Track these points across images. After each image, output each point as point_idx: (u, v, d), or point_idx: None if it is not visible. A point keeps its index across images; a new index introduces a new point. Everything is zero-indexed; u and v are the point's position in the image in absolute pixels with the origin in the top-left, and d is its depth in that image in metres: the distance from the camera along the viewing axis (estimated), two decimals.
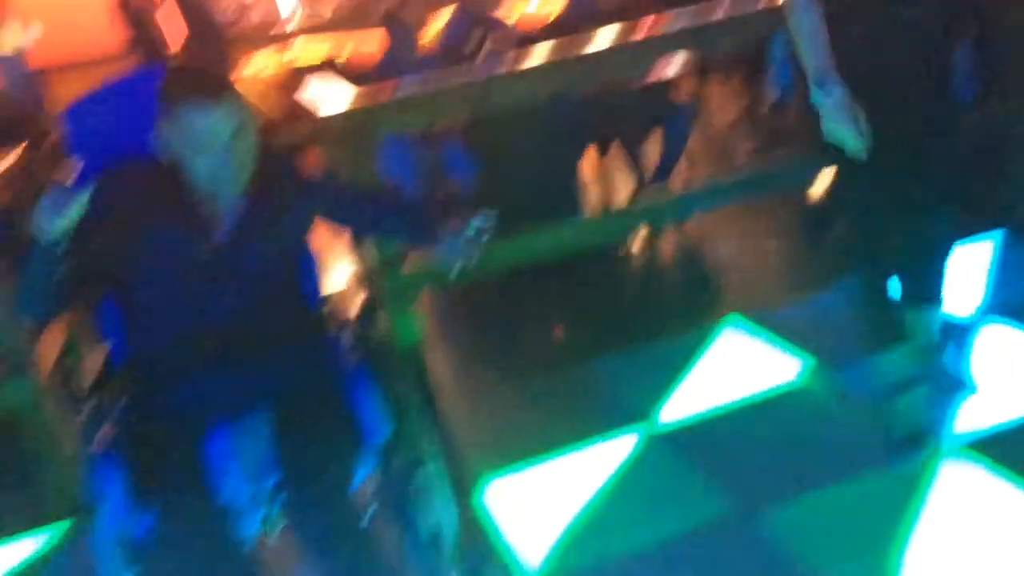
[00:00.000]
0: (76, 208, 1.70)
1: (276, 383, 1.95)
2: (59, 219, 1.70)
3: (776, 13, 2.52)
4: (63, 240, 1.73)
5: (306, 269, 2.12)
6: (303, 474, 1.84)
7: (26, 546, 2.88)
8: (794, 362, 3.03)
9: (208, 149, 1.80)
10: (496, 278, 3.65)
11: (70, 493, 2.90)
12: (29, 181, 3.36)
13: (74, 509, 2.90)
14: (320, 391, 1.96)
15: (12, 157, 3.30)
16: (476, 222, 1.82)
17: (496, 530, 2.48)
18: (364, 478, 1.97)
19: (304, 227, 2.05)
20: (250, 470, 1.85)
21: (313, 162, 2.87)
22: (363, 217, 2.10)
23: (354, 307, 2.15)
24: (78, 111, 2.09)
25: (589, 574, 2.28)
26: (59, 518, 2.88)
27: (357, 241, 2.74)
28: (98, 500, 1.80)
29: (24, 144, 3.73)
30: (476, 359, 3.64)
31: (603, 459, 2.71)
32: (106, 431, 1.91)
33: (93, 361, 2.08)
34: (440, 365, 3.45)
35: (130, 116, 1.94)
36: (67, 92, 2.00)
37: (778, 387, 2.93)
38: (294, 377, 1.96)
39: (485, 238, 1.82)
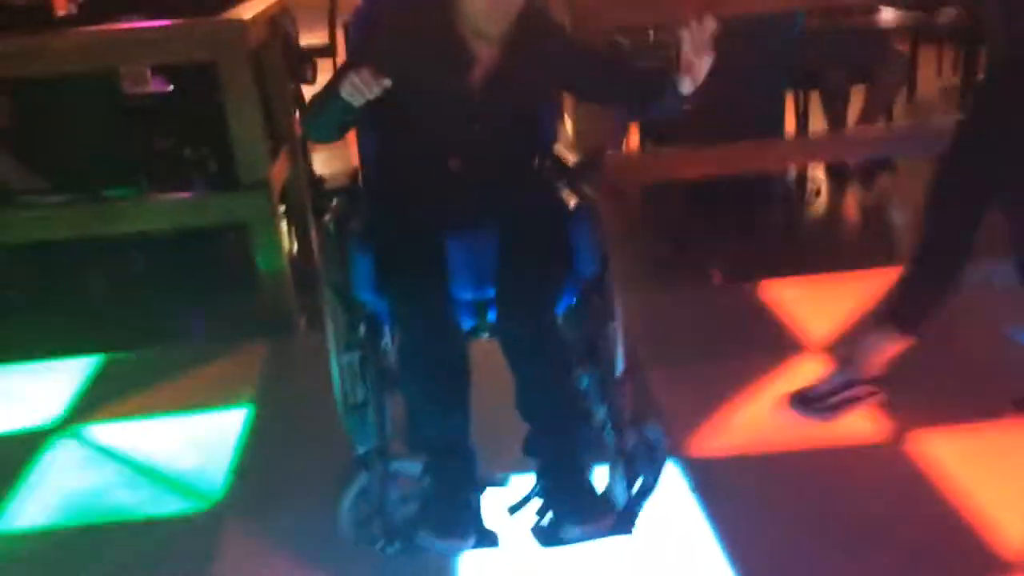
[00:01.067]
0: (377, 92, 1.91)
1: (505, 209, 2.18)
2: (363, 97, 1.91)
3: None
4: (364, 107, 1.96)
5: (546, 116, 2.34)
6: (517, 289, 2.06)
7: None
8: None
9: None
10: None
11: (284, 307, 3.30)
12: None
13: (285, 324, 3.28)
14: (542, 221, 2.18)
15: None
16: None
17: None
18: (569, 304, 2.21)
19: (550, 78, 2.25)
20: (473, 277, 2.09)
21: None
22: (599, 80, 2.27)
23: (575, 159, 2.36)
24: None
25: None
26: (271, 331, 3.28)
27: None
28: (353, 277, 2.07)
29: None
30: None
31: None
32: (355, 223, 2.19)
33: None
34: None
35: None
36: None
37: None
38: (521, 206, 2.18)
39: None
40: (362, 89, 1.89)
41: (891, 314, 2.51)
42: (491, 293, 2.10)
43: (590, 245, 2.11)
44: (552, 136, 2.39)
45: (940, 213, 2.47)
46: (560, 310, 2.17)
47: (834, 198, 4.43)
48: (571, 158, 2.36)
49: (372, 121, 2.29)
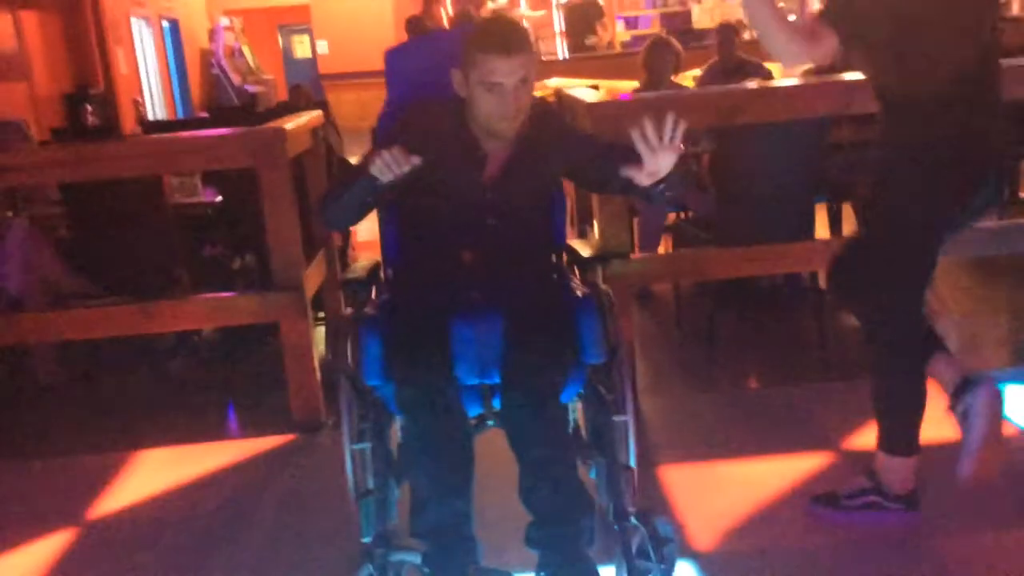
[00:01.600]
0: (408, 169, 2.02)
1: (513, 297, 2.23)
2: (391, 175, 2.03)
3: None
4: (389, 186, 2.08)
5: (557, 209, 2.42)
6: (522, 375, 2.08)
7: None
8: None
9: (499, 89, 2.13)
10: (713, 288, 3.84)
11: (312, 405, 3.36)
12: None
13: (313, 422, 3.34)
14: (549, 309, 2.22)
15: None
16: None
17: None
18: (575, 393, 2.23)
19: (559, 172, 2.34)
20: (479, 362, 2.12)
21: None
22: (605, 169, 2.34)
23: (585, 253, 2.41)
24: (397, 52, 2.51)
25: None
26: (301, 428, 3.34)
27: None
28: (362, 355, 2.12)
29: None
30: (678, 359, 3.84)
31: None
32: (369, 309, 2.25)
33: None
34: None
35: (436, 59, 2.32)
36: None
37: None
38: (529, 294, 2.25)
39: None
40: (391, 165, 1.99)
41: (881, 443, 2.46)
42: (496, 379, 2.12)
43: (596, 334, 2.13)
44: (563, 229, 2.46)
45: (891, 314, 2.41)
46: (566, 398, 2.19)
47: None
48: (585, 252, 2.41)
49: (392, 216, 2.40)
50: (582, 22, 9.89)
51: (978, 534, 2.40)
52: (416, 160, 2.01)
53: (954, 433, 2.34)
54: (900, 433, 2.43)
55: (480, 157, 2.25)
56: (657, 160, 2.01)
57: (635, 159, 2.08)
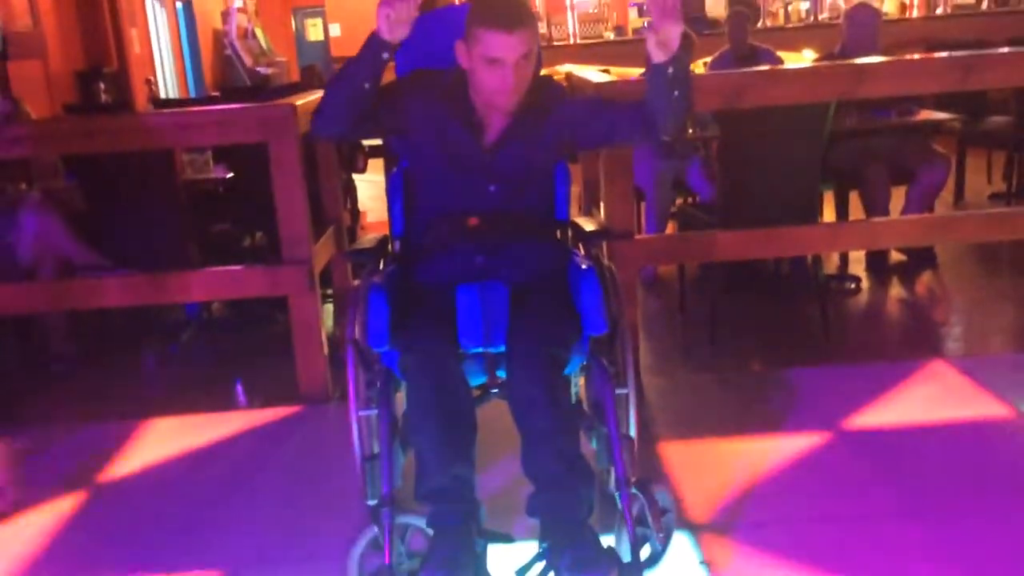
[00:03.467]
0: (410, 16, 2.07)
1: (518, 265, 2.28)
2: (399, 25, 2.07)
3: None
4: (393, 49, 2.11)
5: (560, 181, 2.45)
6: (527, 345, 2.11)
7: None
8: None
9: (500, 64, 2.16)
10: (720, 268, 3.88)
11: (318, 378, 3.40)
12: None
13: (319, 394, 3.39)
14: (553, 280, 2.26)
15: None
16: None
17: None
18: (579, 363, 2.26)
19: (560, 140, 2.36)
20: (484, 330, 2.15)
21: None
22: (611, 122, 2.35)
23: (589, 227, 2.45)
24: None
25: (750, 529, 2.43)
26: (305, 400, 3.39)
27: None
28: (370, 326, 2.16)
29: None
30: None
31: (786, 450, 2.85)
32: (377, 279, 2.29)
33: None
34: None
35: (447, 34, 2.34)
36: None
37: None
38: (533, 264, 2.29)
39: None
40: (392, 12, 2.04)
41: None
42: (501, 348, 2.16)
43: (598, 306, 2.16)
44: (567, 205, 2.49)
45: None
46: (570, 370, 2.22)
47: (874, 291, 4.43)
48: (588, 226, 2.44)
49: (398, 187, 2.45)
50: None
51: (975, 515, 2.42)
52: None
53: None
54: None
55: (478, 122, 2.30)
56: (666, 25, 2.06)
57: (634, 104, 2.11)
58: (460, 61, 2.26)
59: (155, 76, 10.21)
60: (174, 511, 2.71)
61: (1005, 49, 3.92)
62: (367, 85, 2.17)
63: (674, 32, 2.10)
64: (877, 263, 4.61)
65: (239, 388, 3.76)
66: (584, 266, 2.24)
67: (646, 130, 2.26)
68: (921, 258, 4.60)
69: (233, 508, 2.71)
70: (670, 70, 2.13)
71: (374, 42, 2.13)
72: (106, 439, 3.22)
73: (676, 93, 2.16)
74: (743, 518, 2.48)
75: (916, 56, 4.12)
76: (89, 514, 2.75)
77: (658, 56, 2.13)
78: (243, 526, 2.60)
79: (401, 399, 2.34)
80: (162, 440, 3.21)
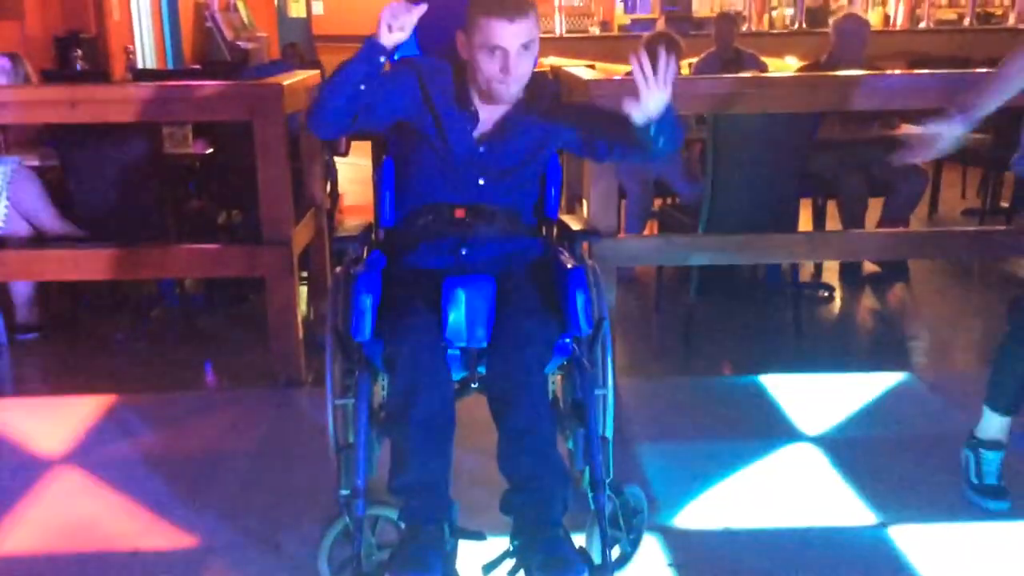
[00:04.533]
0: (411, 25, 2.08)
1: (505, 261, 2.28)
2: (398, 27, 2.08)
3: None
4: (391, 53, 2.12)
5: (552, 181, 2.45)
6: (509, 342, 2.11)
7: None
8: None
9: (501, 52, 2.16)
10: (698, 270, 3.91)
11: (293, 362, 3.38)
12: None
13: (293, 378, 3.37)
14: (539, 278, 2.25)
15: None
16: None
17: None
18: (559, 363, 2.26)
19: (552, 139, 2.37)
20: (468, 325, 2.15)
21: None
22: (604, 141, 2.36)
23: (575, 226, 2.45)
24: None
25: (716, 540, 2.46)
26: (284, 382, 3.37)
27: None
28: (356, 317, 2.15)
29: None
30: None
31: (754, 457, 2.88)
32: (361, 268, 2.27)
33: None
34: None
35: (441, 20, 2.33)
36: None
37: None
38: (521, 260, 2.29)
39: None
40: (395, 21, 2.06)
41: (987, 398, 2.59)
42: (484, 344, 2.15)
43: (583, 306, 2.17)
44: (556, 203, 2.49)
45: None
46: (549, 369, 2.22)
47: (847, 301, 4.47)
48: (575, 226, 2.44)
49: (388, 176, 2.43)
50: None
51: (948, 524, 2.47)
52: (422, 7, 2.07)
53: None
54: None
55: (473, 113, 2.29)
56: (650, 94, 2.05)
57: (629, 126, 2.13)
58: (461, 52, 2.26)
59: (134, 45, 10.06)
60: (142, 489, 2.69)
61: (982, 70, 3.96)
62: (363, 87, 2.16)
63: (659, 103, 2.08)
64: (851, 273, 4.66)
65: (210, 368, 3.72)
66: (570, 265, 2.24)
67: (641, 156, 2.27)
68: (894, 270, 4.66)
69: (202, 489, 2.68)
70: (652, 130, 2.13)
71: (371, 46, 2.12)
72: (71, 414, 3.18)
73: (662, 140, 2.16)
74: (713, 522, 2.50)
75: (922, 72, 4.14)
76: (53, 491, 2.72)
77: (639, 119, 2.12)
78: (213, 508, 2.58)
79: (379, 390, 2.33)
80: (131, 417, 3.17)
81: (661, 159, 2.28)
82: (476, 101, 2.29)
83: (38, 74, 5.72)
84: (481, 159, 2.31)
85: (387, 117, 2.32)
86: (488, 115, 2.30)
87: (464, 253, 2.29)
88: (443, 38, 2.34)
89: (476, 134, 2.31)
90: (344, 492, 2.15)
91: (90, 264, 3.44)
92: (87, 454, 2.92)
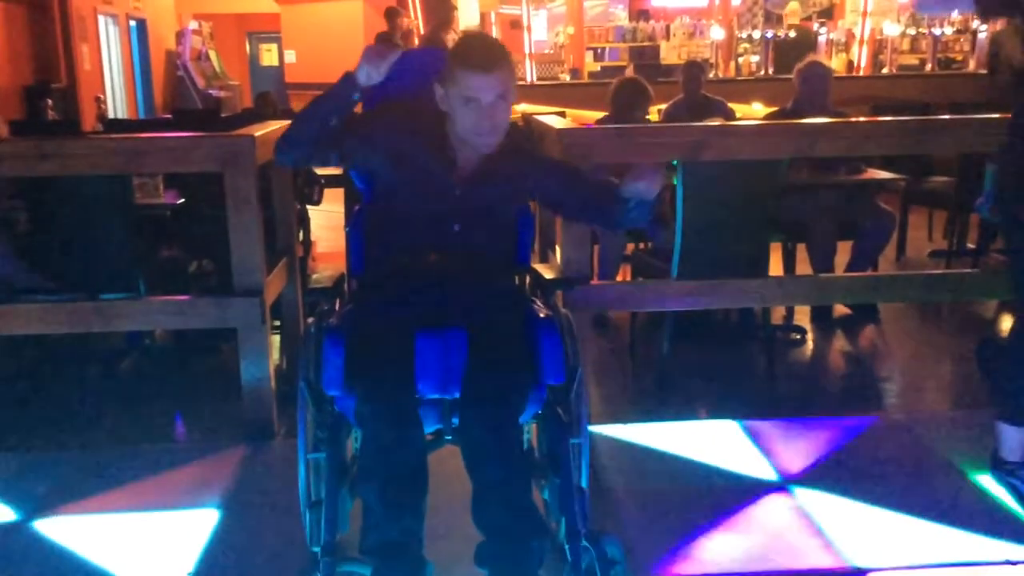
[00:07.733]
0: (388, 67, 2.15)
1: (477, 311, 2.26)
2: (376, 71, 2.14)
3: None
4: (366, 91, 2.17)
5: (524, 228, 2.46)
6: (481, 393, 2.10)
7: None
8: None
9: (477, 104, 2.18)
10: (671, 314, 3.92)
11: (265, 413, 3.34)
12: None
13: (264, 430, 3.32)
14: (511, 328, 2.25)
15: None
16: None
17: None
18: (534, 412, 2.25)
19: (527, 189, 2.38)
20: (440, 377, 2.14)
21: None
22: (576, 200, 2.40)
23: (549, 276, 2.46)
24: None
25: None
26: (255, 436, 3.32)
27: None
28: (323, 367, 2.13)
29: None
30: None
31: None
32: (333, 320, 2.26)
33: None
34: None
35: (419, 72, 2.35)
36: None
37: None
38: (493, 310, 2.28)
39: None
40: (378, 56, 2.12)
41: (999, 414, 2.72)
42: (456, 394, 2.14)
43: (557, 356, 2.17)
44: (529, 251, 2.50)
45: None
46: (524, 419, 2.21)
47: (818, 343, 4.51)
48: (548, 275, 2.45)
49: (359, 222, 2.43)
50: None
51: (926, 569, 2.46)
52: (397, 52, 2.16)
53: None
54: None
55: (450, 158, 2.30)
56: (652, 187, 2.18)
57: (604, 191, 2.16)
58: (439, 104, 2.27)
59: (105, 94, 10.06)
60: (109, 543, 2.63)
61: (946, 116, 4.06)
62: (334, 122, 2.18)
63: (656, 189, 2.20)
64: (822, 315, 4.70)
65: (179, 419, 3.67)
66: (542, 315, 2.24)
67: (607, 224, 2.33)
68: (865, 312, 4.71)
69: (166, 546, 2.63)
70: (631, 203, 2.23)
71: (347, 83, 2.14)
72: (37, 467, 3.12)
73: (635, 214, 2.27)
74: (691, 569, 2.48)
75: (884, 119, 4.22)
76: (9, 549, 2.65)
77: (628, 193, 2.22)
78: (177, 567, 2.52)
79: (350, 444, 2.31)
80: (98, 471, 3.11)
81: (622, 228, 2.35)
82: (453, 145, 2.30)
83: (7, 125, 5.71)
84: (458, 204, 2.31)
85: (365, 157, 2.33)
86: (465, 161, 2.31)
87: (437, 299, 2.28)
88: (421, 88, 2.35)
89: (452, 178, 2.31)
90: (315, 549, 2.11)
91: (60, 317, 3.39)
92: (46, 510, 2.85)
